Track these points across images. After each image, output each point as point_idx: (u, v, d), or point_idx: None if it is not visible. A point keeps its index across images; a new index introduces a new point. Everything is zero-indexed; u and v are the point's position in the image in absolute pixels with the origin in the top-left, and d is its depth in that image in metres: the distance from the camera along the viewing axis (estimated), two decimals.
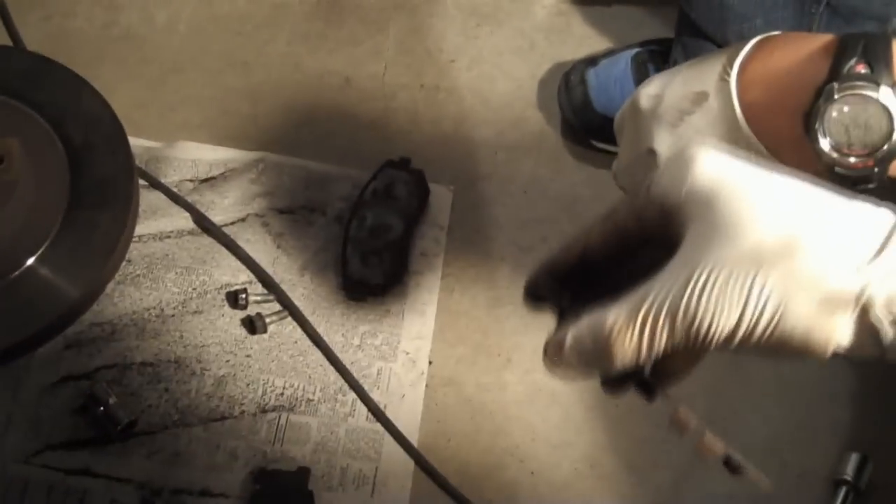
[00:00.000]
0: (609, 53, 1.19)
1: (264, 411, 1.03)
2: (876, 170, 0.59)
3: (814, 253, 0.45)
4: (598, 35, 1.26)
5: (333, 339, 1.07)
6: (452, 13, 1.27)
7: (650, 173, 0.51)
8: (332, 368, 1.05)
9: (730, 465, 0.51)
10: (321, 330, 1.07)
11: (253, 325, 1.06)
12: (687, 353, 0.54)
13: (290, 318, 1.07)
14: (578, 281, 0.55)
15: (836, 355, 0.47)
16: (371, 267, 1.09)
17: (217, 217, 1.11)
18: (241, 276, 1.09)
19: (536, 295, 0.57)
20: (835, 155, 0.60)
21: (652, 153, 0.70)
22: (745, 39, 0.66)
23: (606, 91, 1.16)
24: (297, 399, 1.04)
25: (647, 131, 0.71)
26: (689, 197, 0.48)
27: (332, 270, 1.10)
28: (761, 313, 0.45)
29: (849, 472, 1.01)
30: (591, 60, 1.19)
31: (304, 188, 1.14)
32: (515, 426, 1.05)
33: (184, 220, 1.11)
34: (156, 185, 1.13)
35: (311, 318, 1.07)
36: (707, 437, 0.51)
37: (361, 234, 1.09)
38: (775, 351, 0.47)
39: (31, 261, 0.96)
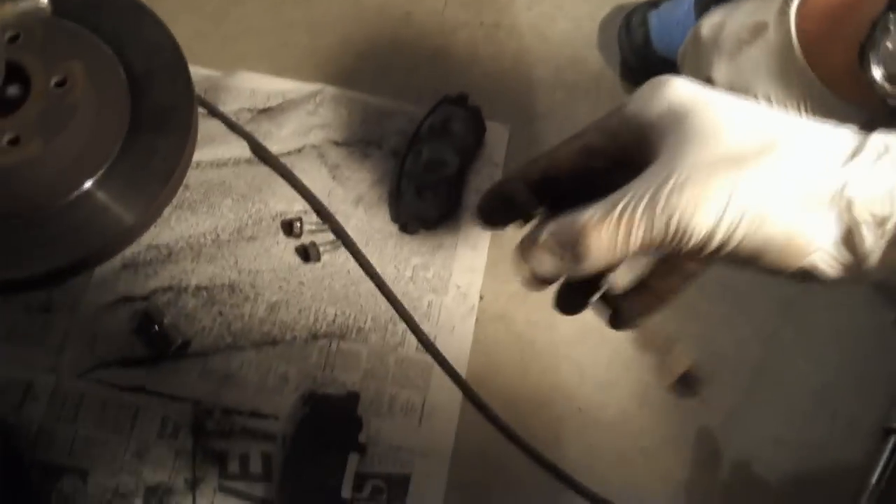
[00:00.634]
0: None
1: (315, 338, 1.04)
2: None
3: (792, 153, 0.45)
4: None
5: (385, 271, 1.07)
6: None
7: None
8: (383, 299, 1.06)
9: (687, 381, 0.51)
10: (374, 261, 1.07)
11: (307, 254, 1.07)
12: (663, 271, 0.53)
13: (343, 249, 1.08)
14: (550, 198, 0.54)
15: (814, 278, 0.47)
16: (425, 201, 1.09)
17: (274, 147, 1.12)
18: (296, 206, 1.10)
19: (488, 211, 0.56)
20: (888, 86, 0.59)
21: (710, 82, 0.70)
22: None
23: (668, 33, 1.14)
24: (348, 327, 1.05)
25: (707, 60, 0.70)
26: (667, 111, 0.48)
27: (386, 203, 1.10)
28: (743, 212, 0.45)
29: None
30: (654, 3, 1.18)
31: (361, 121, 1.14)
32: (564, 364, 1.05)
33: (241, 149, 1.12)
34: (214, 113, 1.14)
35: (364, 249, 1.08)
36: (677, 350, 0.51)
37: (417, 168, 1.10)
38: (756, 257, 0.46)
39: (89, 183, 0.96)
